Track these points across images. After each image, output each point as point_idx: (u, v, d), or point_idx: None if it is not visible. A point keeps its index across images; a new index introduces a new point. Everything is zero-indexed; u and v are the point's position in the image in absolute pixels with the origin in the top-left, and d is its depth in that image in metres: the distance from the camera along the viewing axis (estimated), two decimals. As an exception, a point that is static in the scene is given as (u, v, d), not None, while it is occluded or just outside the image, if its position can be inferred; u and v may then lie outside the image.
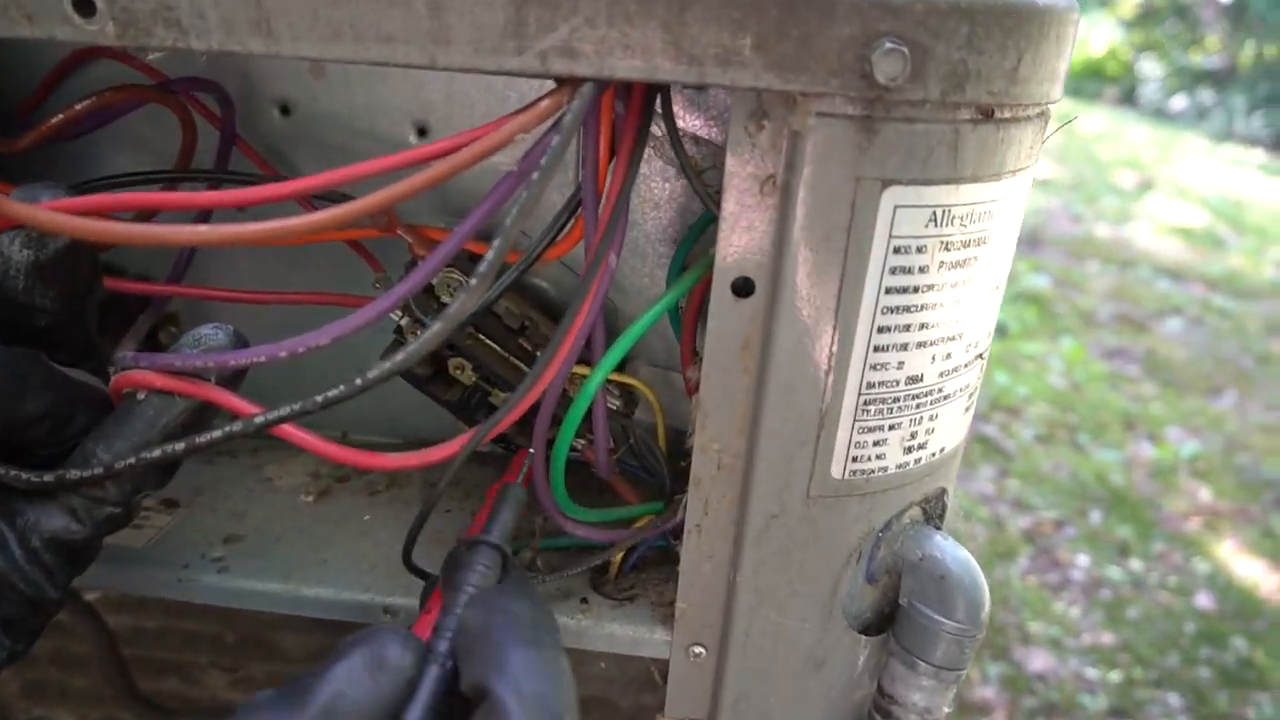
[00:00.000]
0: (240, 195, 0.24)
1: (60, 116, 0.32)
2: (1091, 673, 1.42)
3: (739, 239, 0.28)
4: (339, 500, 0.41)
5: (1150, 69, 6.27)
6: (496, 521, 0.31)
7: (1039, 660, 1.44)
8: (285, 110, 0.39)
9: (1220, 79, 5.91)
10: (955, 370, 0.31)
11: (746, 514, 0.31)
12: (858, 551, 0.32)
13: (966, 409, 0.33)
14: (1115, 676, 1.42)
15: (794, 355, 0.28)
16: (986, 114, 0.26)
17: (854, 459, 0.30)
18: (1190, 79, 6.07)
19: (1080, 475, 1.91)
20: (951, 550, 0.33)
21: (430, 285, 0.36)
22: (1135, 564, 1.67)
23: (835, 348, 0.28)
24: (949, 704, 0.34)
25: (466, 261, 0.36)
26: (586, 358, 0.33)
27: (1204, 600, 1.59)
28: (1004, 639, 1.47)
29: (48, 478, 0.26)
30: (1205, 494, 1.89)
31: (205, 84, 0.35)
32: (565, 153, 0.25)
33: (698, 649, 0.35)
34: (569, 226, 0.31)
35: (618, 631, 0.36)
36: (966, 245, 0.28)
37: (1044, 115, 0.29)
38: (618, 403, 0.37)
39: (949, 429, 0.32)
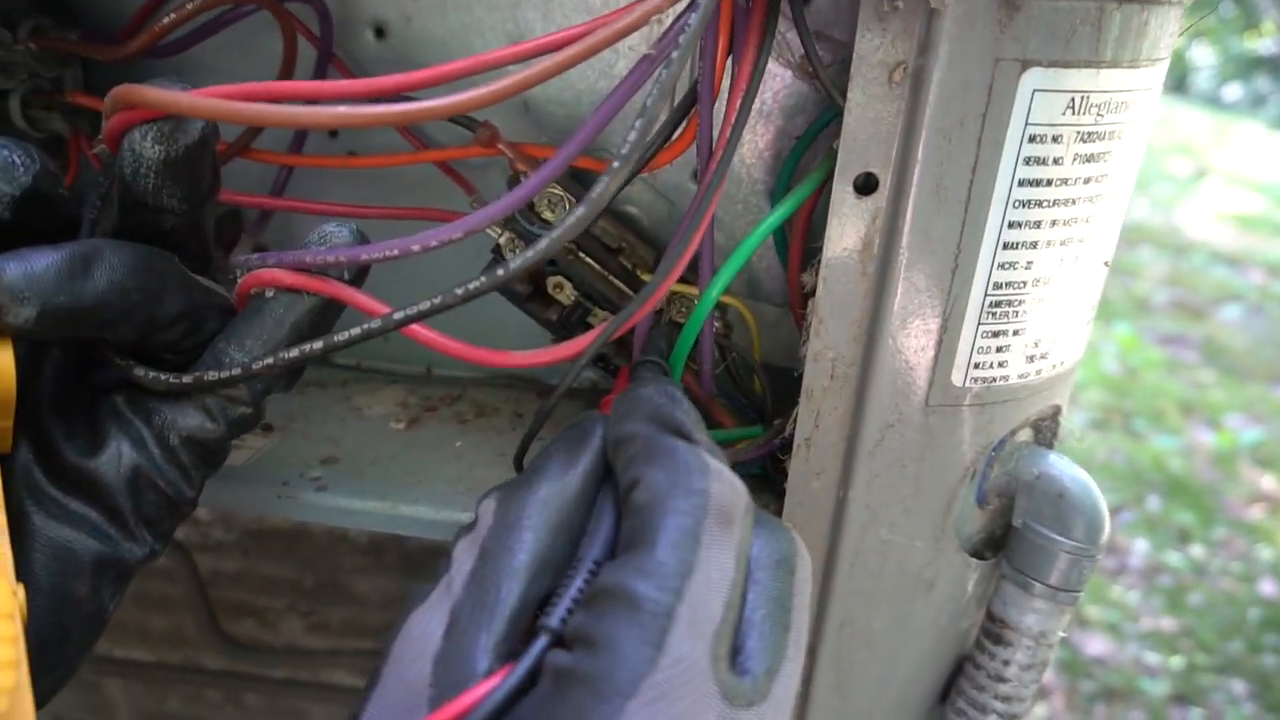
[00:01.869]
0: (382, 83, 0.24)
1: (171, 17, 0.32)
2: (1152, 658, 1.39)
3: (864, 132, 0.27)
4: (429, 428, 0.41)
5: (1202, 56, 6.12)
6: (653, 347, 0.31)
7: (1096, 644, 1.41)
8: (380, 32, 0.39)
9: (1278, 65, 5.75)
10: (1082, 275, 0.30)
11: (861, 425, 0.30)
12: (973, 467, 0.31)
13: (1088, 321, 0.32)
14: (1177, 662, 1.38)
15: (919, 253, 0.27)
16: (1133, -9, 0.25)
17: (976, 365, 0.29)
18: (1245, 66, 5.91)
19: (1137, 462, 1.87)
20: (1068, 469, 0.32)
21: (532, 203, 0.35)
22: (1196, 550, 1.63)
23: (963, 244, 0.27)
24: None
25: (568, 179, 0.36)
26: (689, 278, 0.33)
27: (1268, 588, 1.55)
28: (1060, 623, 1.44)
29: (186, 379, 0.26)
30: (1268, 482, 1.84)
31: (306, -3, 0.35)
32: (703, 29, 0.24)
33: (801, 571, 0.34)
34: (682, 129, 0.30)
35: (717, 555, 0.35)
36: (1102, 138, 0.27)
37: (1181, 4, 0.28)
38: (719, 324, 0.37)
39: (1071, 340, 0.31)
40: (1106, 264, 0.31)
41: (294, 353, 0.26)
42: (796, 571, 0.23)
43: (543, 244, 0.25)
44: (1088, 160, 0.27)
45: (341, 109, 0.24)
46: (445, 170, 0.39)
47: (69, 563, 0.26)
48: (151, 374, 0.26)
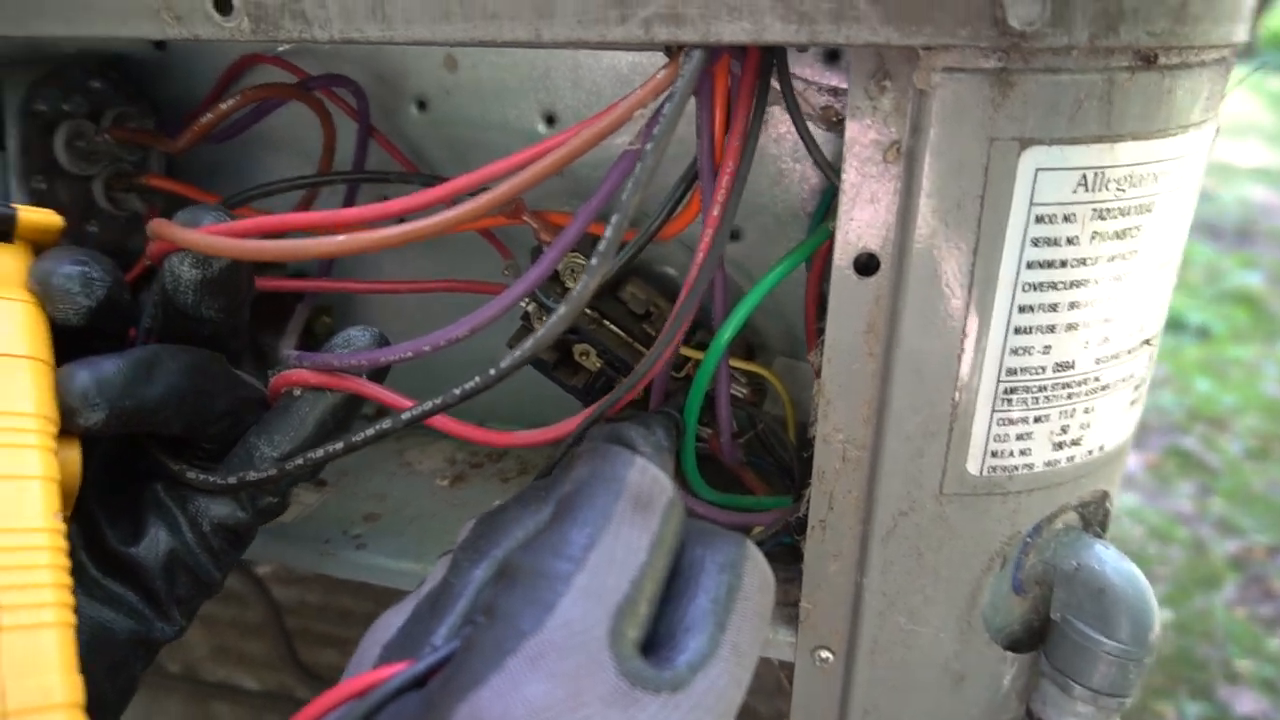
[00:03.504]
0: (385, 209, 0.26)
1: (209, 115, 0.34)
2: (1313, 720, 1.25)
3: (861, 212, 0.26)
4: (473, 485, 0.42)
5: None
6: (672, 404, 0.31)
7: (1248, 702, 1.28)
8: (422, 105, 0.40)
9: None
10: (1115, 357, 0.27)
11: (873, 511, 0.29)
12: (1000, 556, 0.29)
13: (1132, 403, 0.29)
14: (1343, 726, 1.24)
15: (922, 338, 0.26)
16: (1148, 60, 0.23)
17: (994, 454, 0.27)
18: None
19: (1301, 496, 1.69)
20: (1113, 561, 0.29)
21: (556, 271, 0.36)
22: (1370, 599, 1.46)
23: (970, 329, 0.26)
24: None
25: (591, 246, 0.36)
26: (707, 340, 0.32)
27: None
28: (1205, 675, 1.32)
29: (231, 479, 0.28)
30: None
31: (339, 79, 0.36)
32: (677, 123, 0.24)
33: (824, 653, 0.33)
34: (686, 200, 0.30)
35: (740, 630, 0.34)
36: (1126, 213, 0.25)
37: (1224, 62, 0.25)
38: (744, 390, 0.36)
39: (1109, 424, 0.28)
40: (1149, 342, 0.28)
41: (319, 453, 0.28)
42: (744, 577, 0.22)
43: (529, 344, 0.25)
44: (1113, 238, 0.25)
45: (347, 238, 0.25)
46: (483, 235, 0.40)
47: (108, 642, 0.28)
48: (202, 477, 0.28)
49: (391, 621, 0.23)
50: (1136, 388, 0.29)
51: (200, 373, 0.28)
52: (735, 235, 0.40)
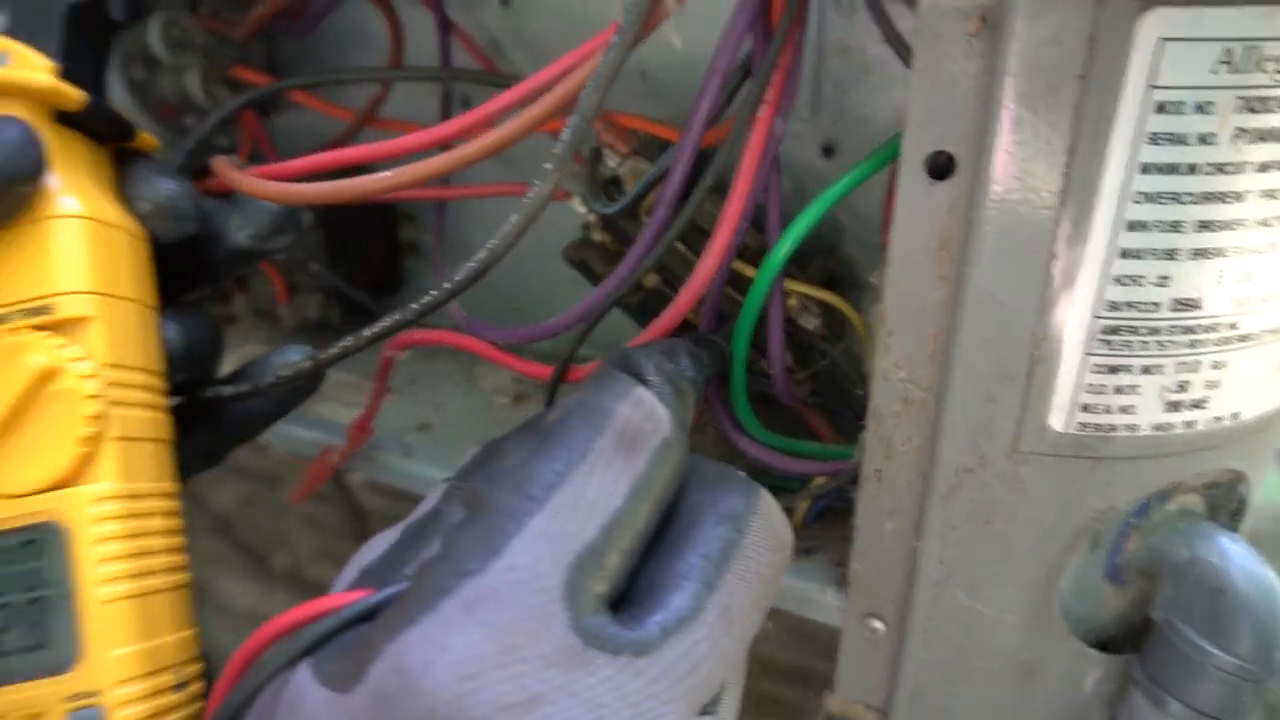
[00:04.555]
0: (429, 135, 0.25)
1: (267, 4, 0.33)
2: None
3: (935, 100, 0.21)
4: (533, 405, 0.40)
5: None
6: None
7: None
8: (505, 1, 0.38)
9: None
10: (1264, 300, 0.21)
11: (935, 463, 0.25)
12: (1090, 535, 0.24)
13: (1284, 361, 0.23)
14: None
15: (1001, 257, 0.21)
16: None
17: (1085, 408, 0.22)
18: None
19: None
20: (1241, 558, 0.24)
21: (618, 177, 0.33)
22: None
23: (1060, 250, 0.21)
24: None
25: (658, 152, 0.33)
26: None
27: None
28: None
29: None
30: None
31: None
32: None
33: (875, 623, 0.29)
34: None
35: (787, 585, 0.31)
36: (1289, 106, 0.19)
37: None
38: (816, 322, 0.32)
39: (1247, 386, 0.23)
40: (1313, 284, 0.22)
41: (288, 371, 0.27)
42: (746, 533, 0.19)
43: (465, 271, 0.23)
44: (1263, 138, 0.19)
45: (389, 174, 0.24)
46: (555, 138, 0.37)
47: None
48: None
49: (377, 545, 0.22)
50: (1292, 342, 0.23)
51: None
52: (829, 150, 0.35)
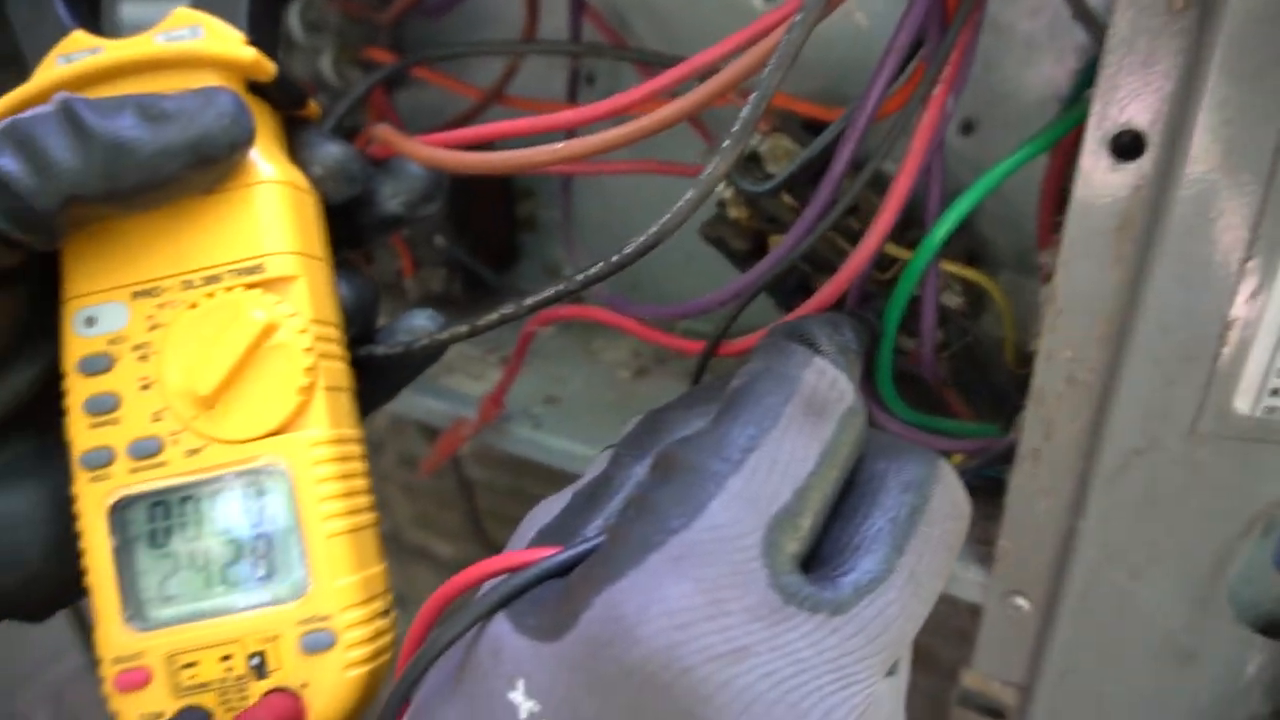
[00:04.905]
0: (596, 110, 0.25)
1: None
2: None
3: (1130, 77, 0.21)
4: (654, 380, 0.41)
5: None
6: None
7: None
8: (638, -24, 0.38)
9: None
10: None
11: (1101, 445, 0.25)
12: (1264, 520, 0.24)
13: None
14: None
15: (1193, 240, 0.21)
16: None
17: (1275, 391, 0.22)
18: None
19: None
20: None
21: (757, 154, 0.33)
22: None
23: (1262, 231, 0.20)
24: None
25: (799, 129, 0.33)
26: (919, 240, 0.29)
27: None
28: None
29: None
30: None
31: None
32: None
33: (1019, 600, 0.29)
34: (906, 75, 0.26)
35: (925, 563, 0.31)
36: None
37: None
38: (959, 300, 0.32)
39: None
40: None
41: (444, 335, 0.27)
42: (931, 499, 0.20)
43: (635, 246, 0.23)
44: None
45: (560, 146, 0.24)
46: (691, 123, 0.38)
47: None
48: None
49: (550, 508, 0.22)
50: None
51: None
52: (968, 127, 0.35)
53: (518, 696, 0.18)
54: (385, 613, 0.23)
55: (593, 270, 0.25)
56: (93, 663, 0.23)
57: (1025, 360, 0.32)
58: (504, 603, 0.19)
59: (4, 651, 0.86)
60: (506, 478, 0.60)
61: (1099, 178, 0.22)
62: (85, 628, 0.79)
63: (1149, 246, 0.22)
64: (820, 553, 0.19)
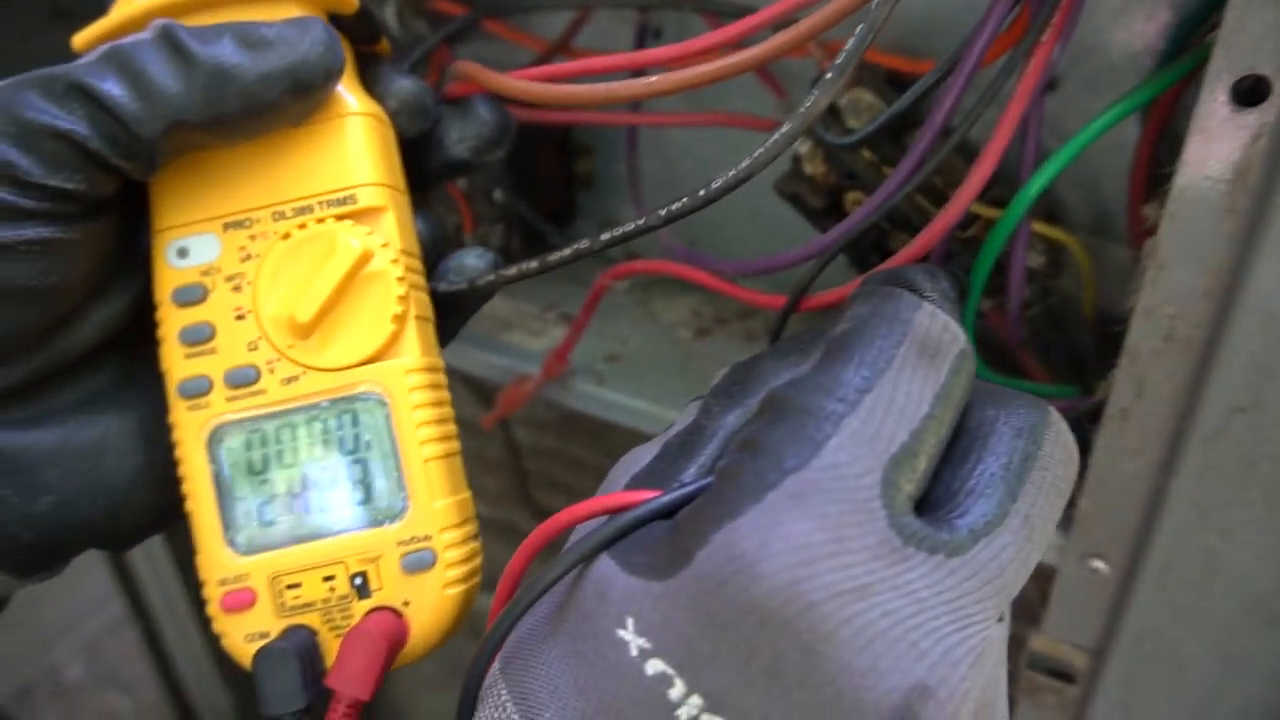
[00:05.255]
0: (685, 48, 0.24)
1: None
2: None
3: (1258, 20, 0.20)
4: (715, 339, 0.40)
5: None
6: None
7: None
8: (708, -77, 0.37)
9: None
10: None
11: (1200, 404, 0.24)
12: (1365, 482, 0.24)
13: None
14: None
15: (1318, 187, 0.20)
16: None
17: (1389, 348, 0.21)
18: None
19: None
20: None
21: (835, 107, 0.32)
22: None
23: (1392, 178, 0.20)
24: None
25: (882, 83, 0.32)
26: (1003, 198, 0.28)
27: None
28: None
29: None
30: None
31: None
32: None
33: (1097, 562, 0.29)
34: (1005, 24, 0.25)
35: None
36: None
37: None
38: (1040, 259, 0.31)
39: None
40: None
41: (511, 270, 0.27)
42: (1044, 445, 0.19)
43: (737, 171, 0.22)
44: None
45: (650, 80, 0.24)
46: (759, 74, 0.37)
47: None
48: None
49: (640, 457, 0.22)
50: None
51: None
52: (1052, 84, 0.34)
53: (627, 634, 0.18)
54: (476, 535, 0.24)
55: (675, 205, 0.25)
56: (132, 614, 0.24)
57: (1105, 320, 0.32)
58: (609, 542, 0.19)
59: (40, 603, 0.88)
60: (551, 440, 0.60)
61: (1216, 125, 0.21)
62: (126, 578, 0.80)
63: (1267, 198, 0.21)
64: (931, 496, 0.19)
